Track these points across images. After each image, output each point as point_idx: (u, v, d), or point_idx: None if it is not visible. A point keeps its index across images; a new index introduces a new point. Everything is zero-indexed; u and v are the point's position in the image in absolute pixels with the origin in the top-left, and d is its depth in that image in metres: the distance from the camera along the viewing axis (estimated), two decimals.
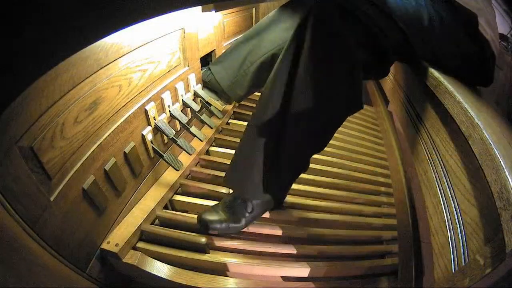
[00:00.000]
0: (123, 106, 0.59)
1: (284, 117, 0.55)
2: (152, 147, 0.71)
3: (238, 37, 0.93)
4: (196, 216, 0.68)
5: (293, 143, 0.58)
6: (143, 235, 0.66)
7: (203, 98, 0.89)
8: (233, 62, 0.89)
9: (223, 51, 0.95)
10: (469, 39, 0.56)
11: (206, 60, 1.07)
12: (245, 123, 1.06)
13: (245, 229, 0.72)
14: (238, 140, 0.99)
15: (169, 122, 0.76)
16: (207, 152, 0.97)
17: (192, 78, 0.85)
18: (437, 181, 0.50)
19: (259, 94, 0.79)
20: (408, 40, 0.55)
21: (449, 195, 0.45)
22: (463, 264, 0.37)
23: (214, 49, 1.03)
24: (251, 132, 0.60)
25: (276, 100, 0.55)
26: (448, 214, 0.44)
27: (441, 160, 0.51)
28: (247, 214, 0.67)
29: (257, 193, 0.64)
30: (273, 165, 0.61)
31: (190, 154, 0.77)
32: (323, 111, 0.55)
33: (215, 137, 1.00)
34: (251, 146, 0.61)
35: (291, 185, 0.72)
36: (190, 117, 0.89)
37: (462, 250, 0.38)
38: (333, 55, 0.51)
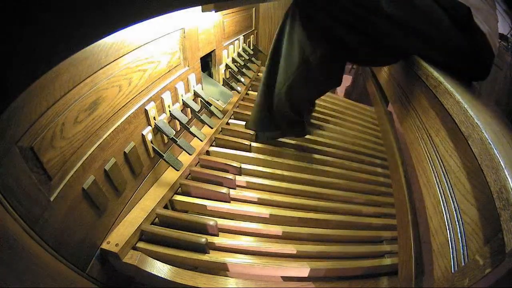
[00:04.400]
0: (123, 106, 0.59)
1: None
2: (152, 147, 0.71)
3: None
4: (195, 215, 0.71)
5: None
6: (143, 235, 0.66)
7: (203, 98, 0.89)
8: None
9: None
10: (461, 31, 0.56)
11: (206, 60, 1.07)
12: None
13: (245, 228, 0.74)
14: (238, 140, 0.99)
15: (169, 122, 0.76)
16: (207, 152, 0.97)
17: (192, 78, 0.85)
18: (436, 181, 0.50)
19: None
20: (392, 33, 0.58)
21: (449, 195, 0.45)
22: (463, 264, 0.37)
23: (214, 49, 1.03)
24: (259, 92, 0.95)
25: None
26: (447, 214, 0.44)
27: (441, 160, 0.51)
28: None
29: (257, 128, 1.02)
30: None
31: (190, 154, 0.77)
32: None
33: (215, 137, 1.00)
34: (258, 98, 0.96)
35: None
36: (190, 117, 0.89)
37: (461, 250, 0.38)
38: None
